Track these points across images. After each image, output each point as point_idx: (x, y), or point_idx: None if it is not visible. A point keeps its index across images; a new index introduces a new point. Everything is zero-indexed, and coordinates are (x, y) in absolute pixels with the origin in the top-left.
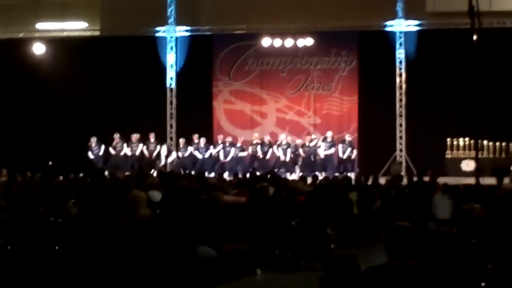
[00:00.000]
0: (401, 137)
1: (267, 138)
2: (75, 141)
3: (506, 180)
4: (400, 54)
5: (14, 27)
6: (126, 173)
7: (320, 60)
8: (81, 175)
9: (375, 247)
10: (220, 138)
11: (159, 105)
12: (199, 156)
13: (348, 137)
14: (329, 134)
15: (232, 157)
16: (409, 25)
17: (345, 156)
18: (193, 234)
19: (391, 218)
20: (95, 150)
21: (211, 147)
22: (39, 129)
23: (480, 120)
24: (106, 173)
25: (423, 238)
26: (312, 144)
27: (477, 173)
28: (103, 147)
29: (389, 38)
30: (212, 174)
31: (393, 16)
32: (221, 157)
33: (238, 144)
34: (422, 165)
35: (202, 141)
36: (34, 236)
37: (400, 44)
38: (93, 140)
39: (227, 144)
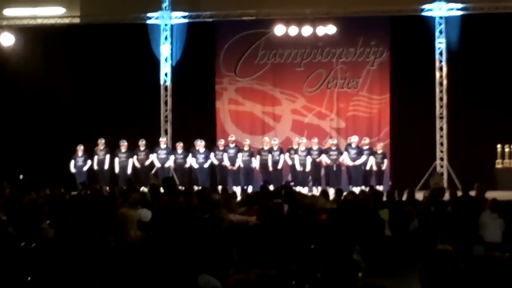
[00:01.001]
0: (441, 144)
1: (276, 142)
2: (51, 149)
3: None
4: (441, 43)
5: None
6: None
7: (344, 52)
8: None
9: (411, 276)
10: (221, 144)
11: (151, 105)
12: (195, 165)
13: (380, 148)
14: (355, 139)
15: (239, 165)
16: (451, 9)
17: (375, 168)
18: (193, 260)
19: (430, 241)
20: (79, 162)
21: (212, 155)
22: (8, 135)
23: None
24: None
25: (469, 265)
26: (333, 151)
27: None
28: (89, 162)
29: (427, 25)
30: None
31: None
32: (227, 163)
33: (246, 148)
34: (467, 177)
35: (200, 144)
36: (2, 264)
37: (440, 32)
38: (80, 149)
39: (231, 146)
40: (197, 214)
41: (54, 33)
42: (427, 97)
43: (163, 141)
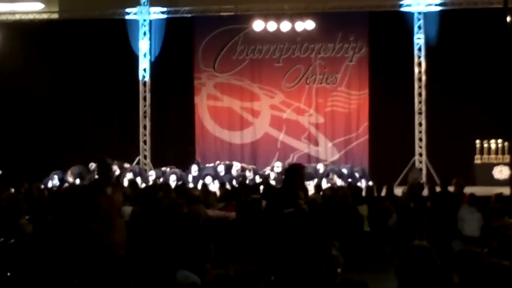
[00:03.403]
0: (420, 139)
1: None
2: (29, 144)
3: None
4: (419, 39)
5: None
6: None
7: (323, 47)
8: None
9: (390, 272)
10: (193, 169)
11: (130, 101)
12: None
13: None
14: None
15: None
16: (429, 4)
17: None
18: (172, 256)
19: (408, 236)
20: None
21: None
22: None
23: None
24: None
25: (447, 260)
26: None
27: None
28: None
29: (405, 20)
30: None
31: None
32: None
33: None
34: (446, 172)
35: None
36: None
37: (419, 27)
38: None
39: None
40: (175, 209)
41: (32, 28)
42: (405, 93)
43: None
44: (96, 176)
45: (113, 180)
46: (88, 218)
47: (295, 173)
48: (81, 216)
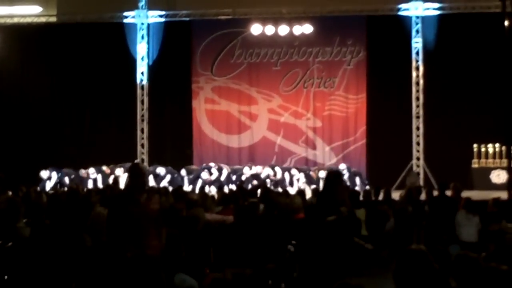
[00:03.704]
0: (418, 143)
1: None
2: (26, 147)
3: None
4: (417, 43)
5: None
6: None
7: (321, 51)
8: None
9: (387, 276)
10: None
11: (127, 104)
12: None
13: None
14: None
15: None
16: (427, 9)
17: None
18: (170, 259)
19: (406, 241)
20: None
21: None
22: None
23: None
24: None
25: (445, 264)
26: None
27: (509, 186)
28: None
29: (403, 24)
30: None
31: None
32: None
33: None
34: (443, 176)
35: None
36: None
37: (417, 32)
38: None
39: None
40: (175, 213)
41: (30, 31)
42: (403, 97)
43: None
44: (128, 183)
45: (147, 186)
46: (82, 226)
47: (335, 180)
48: (75, 223)
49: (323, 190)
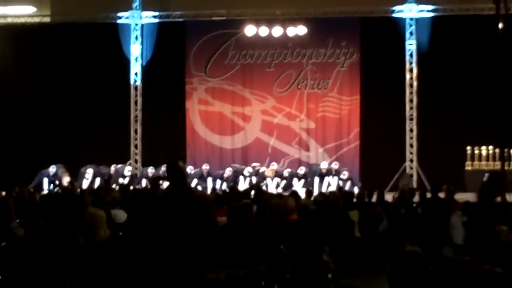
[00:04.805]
0: (411, 145)
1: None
2: (20, 148)
3: None
4: (411, 45)
5: None
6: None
7: (314, 52)
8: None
9: (380, 277)
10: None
11: (121, 105)
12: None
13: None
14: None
15: None
16: (421, 11)
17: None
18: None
19: (399, 243)
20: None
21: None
22: None
23: (506, 125)
24: None
25: (438, 266)
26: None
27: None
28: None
29: (397, 26)
30: None
31: (402, 0)
32: None
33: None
34: (437, 178)
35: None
36: None
37: (411, 33)
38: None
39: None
40: None
41: (24, 32)
42: (397, 99)
43: None
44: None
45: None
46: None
47: (497, 182)
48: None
49: (482, 194)
